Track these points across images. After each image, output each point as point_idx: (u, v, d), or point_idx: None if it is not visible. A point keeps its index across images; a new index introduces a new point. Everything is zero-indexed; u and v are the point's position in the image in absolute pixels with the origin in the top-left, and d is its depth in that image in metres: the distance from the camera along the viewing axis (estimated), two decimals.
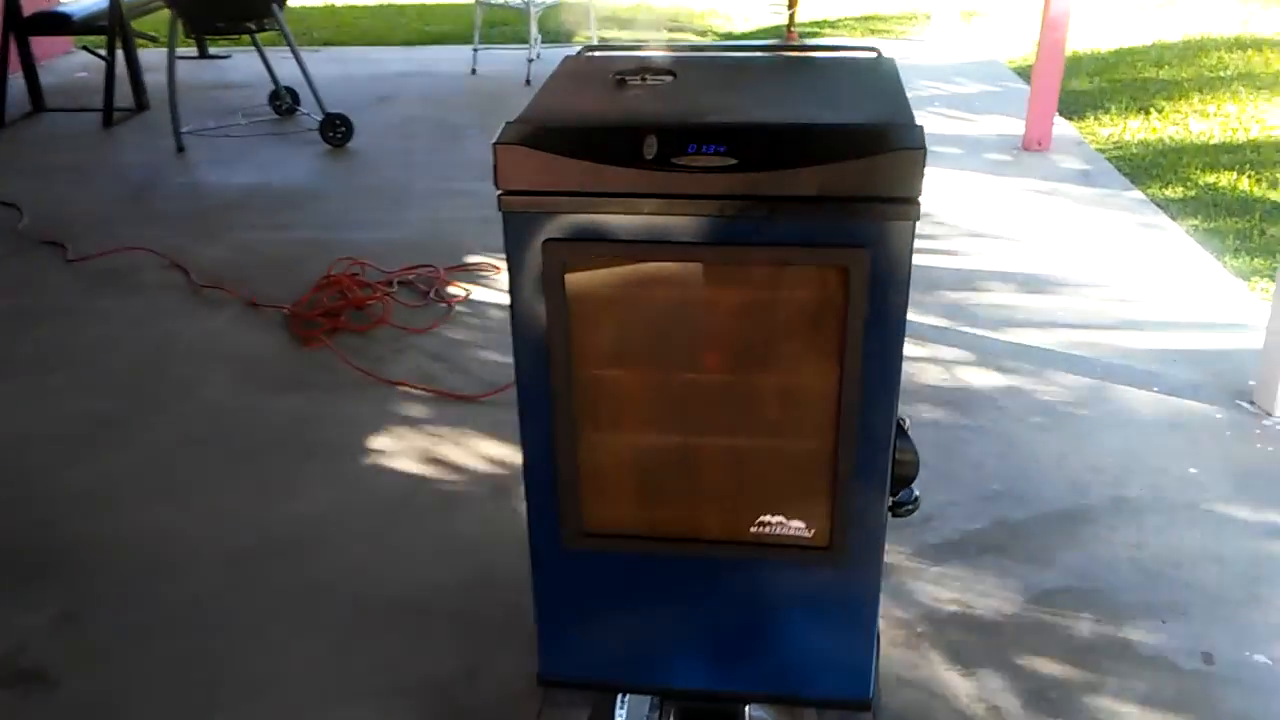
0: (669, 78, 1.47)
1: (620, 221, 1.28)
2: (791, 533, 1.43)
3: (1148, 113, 5.46)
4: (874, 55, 1.61)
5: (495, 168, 1.27)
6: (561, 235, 1.30)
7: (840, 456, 1.37)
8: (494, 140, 1.26)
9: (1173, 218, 4.12)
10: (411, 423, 2.84)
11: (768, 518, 1.43)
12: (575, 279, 1.32)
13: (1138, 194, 4.38)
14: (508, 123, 1.29)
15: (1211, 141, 5.05)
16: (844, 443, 1.36)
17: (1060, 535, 2.35)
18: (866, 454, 1.36)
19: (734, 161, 1.23)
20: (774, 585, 1.47)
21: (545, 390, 1.38)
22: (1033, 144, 4.85)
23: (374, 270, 3.69)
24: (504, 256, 1.33)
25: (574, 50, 1.68)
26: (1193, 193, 4.40)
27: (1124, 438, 2.70)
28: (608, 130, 1.28)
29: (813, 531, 1.43)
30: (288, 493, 2.57)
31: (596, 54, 1.66)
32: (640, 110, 1.38)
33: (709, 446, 1.44)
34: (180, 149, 5.07)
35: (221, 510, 2.52)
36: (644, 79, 1.46)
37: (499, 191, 1.28)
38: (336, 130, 5.09)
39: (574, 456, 1.41)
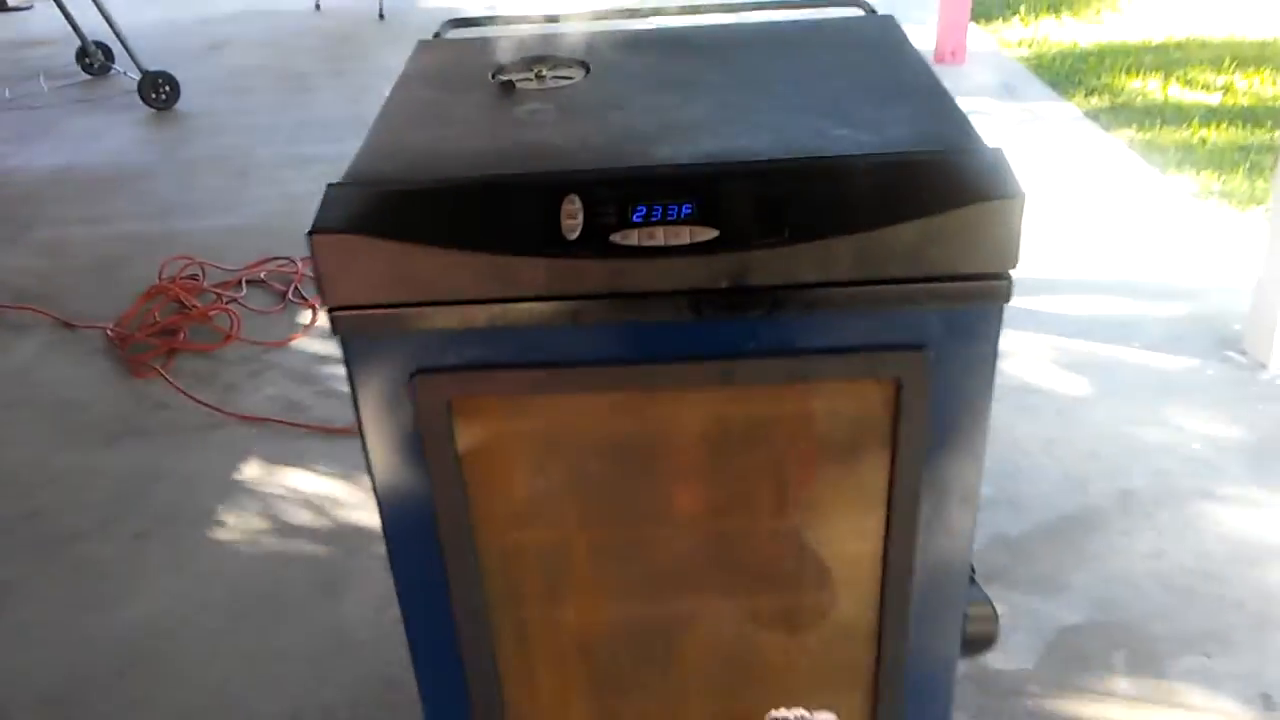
0: (579, 74, 0.96)
1: (534, 337, 0.79)
2: None
3: (1058, 11, 5.10)
4: (863, 14, 1.13)
5: (317, 270, 0.76)
6: (440, 364, 0.80)
7: (887, 626, 0.93)
8: (310, 227, 0.75)
9: (1105, 130, 3.79)
10: (277, 471, 2.31)
11: (783, 712, 0.99)
12: (468, 421, 0.83)
13: (1066, 106, 4.03)
14: (330, 186, 0.78)
15: (1131, 42, 4.71)
16: (892, 608, 0.92)
17: (1069, 550, 2.00)
18: (926, 621, 0.93)
19: (713, 233, 0.75)
20: None
21: (437, 575, 0.90)
22: (946, 56, 4.44)
23: (216, 270, 3.09)
24: None
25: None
26: (1121, 100, 4.07)
27: (1113, 411, 2.36)
28: (500, 192, 0.78)
29: None
30: (119, 592, 2.04)
31: (461, 35, 1.13)
32: (547, 147, 0.87)
33: (692, 618, 0.98)
34: None
35: (29, 627, 1.98)
36: (540, 77, 0.95)
37: (327, 308, 0.78)
38: (159, 90, 4.42)
39: (489, 656, 0.94)
